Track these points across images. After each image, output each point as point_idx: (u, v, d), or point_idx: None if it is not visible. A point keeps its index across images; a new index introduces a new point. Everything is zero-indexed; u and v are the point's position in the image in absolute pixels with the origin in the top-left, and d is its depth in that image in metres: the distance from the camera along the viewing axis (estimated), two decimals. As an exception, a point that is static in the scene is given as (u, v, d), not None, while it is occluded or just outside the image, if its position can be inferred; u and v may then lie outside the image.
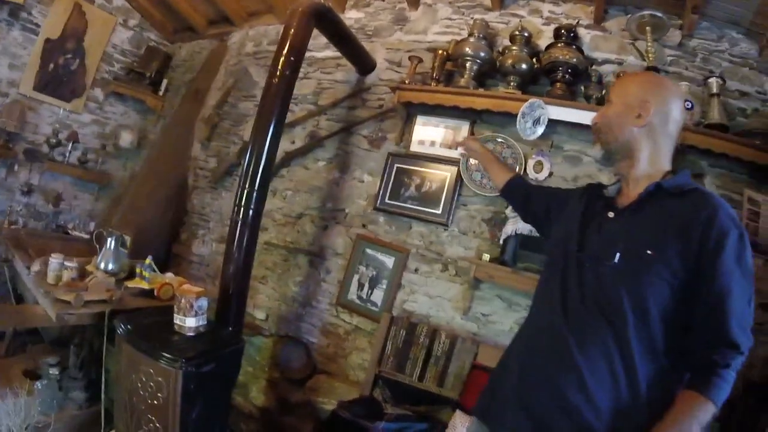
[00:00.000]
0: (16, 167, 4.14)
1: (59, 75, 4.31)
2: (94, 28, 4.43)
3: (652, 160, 1.23)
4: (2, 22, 3.98)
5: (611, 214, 1.22)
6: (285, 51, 2.56)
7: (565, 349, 1.11)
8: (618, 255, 1.11)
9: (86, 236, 3.90)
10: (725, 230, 1.05)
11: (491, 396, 1.30)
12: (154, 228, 3.86)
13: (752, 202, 2.30)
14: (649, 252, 1.07)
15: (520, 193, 1.70)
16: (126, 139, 4.63)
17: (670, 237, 1.07)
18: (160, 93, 4.70)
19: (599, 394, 1.06)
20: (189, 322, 2.11)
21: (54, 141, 4.25)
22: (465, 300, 2.61)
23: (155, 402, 1.94)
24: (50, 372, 2.53)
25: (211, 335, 2.19)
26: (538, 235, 2.33)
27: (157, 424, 1.95)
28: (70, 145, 4.37)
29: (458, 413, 2.31)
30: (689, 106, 2.31)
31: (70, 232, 4.07)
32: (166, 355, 1.90)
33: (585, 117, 2.39)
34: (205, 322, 2.18)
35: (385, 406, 2.52)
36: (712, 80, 2.30)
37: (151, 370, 1.93)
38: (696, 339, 1.06)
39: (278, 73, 2.54)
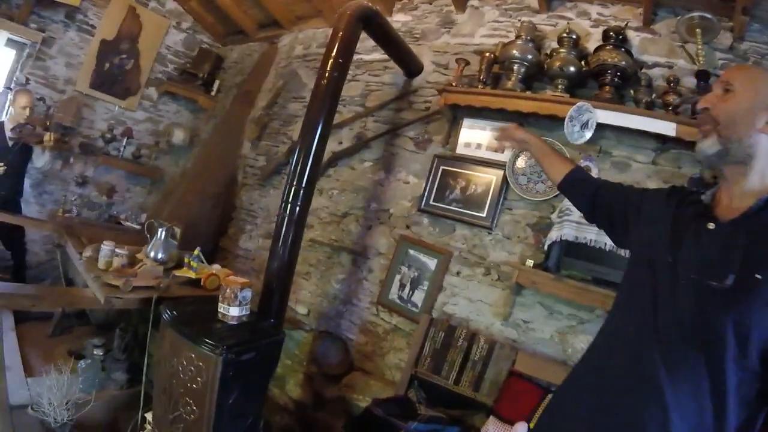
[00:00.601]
0: (71, 160, 4.39)
1: (114, 74, 4.55)
2: (147, 30, 4.66)
3: (765, 174, 1.06)
4: (59, 24, 4.23)
5: (712, 226, 1.05)
6: (333, 53, 2.61)
7: (652, 378, 0.98)
8: (732, 276, 0.95)
9: (137, 227, 4.09)
10: None
11: (556, 417, 1.20)
12: (202, 222, 4.00)
13: None
14: (758, 276, 0.93)
15: (584, 188, 1.48)
16: (178, 136, 4.82)
17: None
18: (212, 93, 4.87)
19: None
20: (232, 312, 2.17)
21: (109, 136, 4.49)
22: (506, 305, 2.58)
23: (194, 386, 1.99)
24: (94, 352, 2.66)
25: (252, 326, 2.25)
26: (583, 241, 2.33)
27: (194, 407, 2.00)
28: (125, 140, 4.61)
29: (492, 419, 2.28)
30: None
31: (122, 222, 4.27)
32: (208, 341, 1.95)
33: (634, 122, 2.35)
34: (248, 313, 2.24)
35: (419, 407, 2.52)
36: None
37: (192, 355, 1.99)
38: None
39: (326, 75, 2.59)
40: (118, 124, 4.62)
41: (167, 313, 2.14)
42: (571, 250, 2.40)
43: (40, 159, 3.96)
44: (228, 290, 2.19)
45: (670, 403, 0.94)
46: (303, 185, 2.53)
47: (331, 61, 2.61)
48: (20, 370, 2.52)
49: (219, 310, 2.20)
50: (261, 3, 4.20)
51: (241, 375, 2.03)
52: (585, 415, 1.08)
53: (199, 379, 1.98)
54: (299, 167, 2.53)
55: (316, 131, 2.54)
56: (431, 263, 2.86)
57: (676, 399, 0.95)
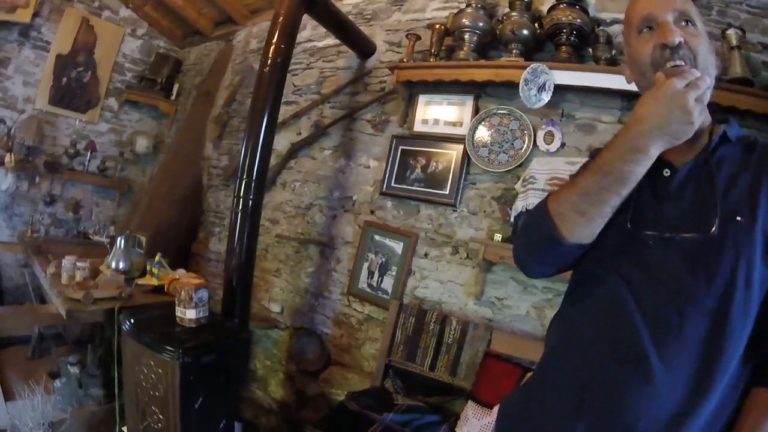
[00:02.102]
0: (37, 179, 4.28)
1: (73, 88, 4.43)
2: (103, 40, 4.53)
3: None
4: (14, 43, 4.12)
5: (668, 172, 0.90)
6: (275, 39, 2.53)
7: (641, 354, 0.82)
8: (716, 223, 0.82)
9: (107, 240, 3.99)
10: None
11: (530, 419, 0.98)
12: (171, 228, 3.90)
13: None
14: (738, 219, 0.82)
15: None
16: (142, 144, 4.72)
17: (763, 200, 0.84)
18: (172, 97, 4.77)
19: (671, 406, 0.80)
20: (189, 314, 2.13)
21: (72, 151, 4.38)
22: (477, 284, 2.48)
23: (157, 393, 1.98)
24: (70, 370, 2.62)
25: (214, 327, 2.20)
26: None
27: (160, 416, 1.98)
28: (89, 154, 4.51)
29: (470, 404, 2.19)
30: (708, 62, 2.13)
31: (91, 237, 4.16)
32: (165, 347, 1.94)
33: (595, 80, 2.24)
34: (207, 314, 2.18)
35: (396, 396, 2.43)
36: (731, 32, 2.09)
37: (152, 362, 1.98)
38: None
39: (269, 62, 2.51)
40: (81, 138, 4.51)
41: (126, 323, 2.12)
42: (539, 219, 2.30)
43: (4, 181, 3.87)
44: (183, 292, 2.14)
45: (658, 375, 0.79)
46: (254, 178, 2.44)
47: (272, 47, 2.53)
48: (-1, 395, 2.48)
49: (176, 314, 2.15)
50: (214, 0, 4.09)
51: (204, 378, 1.99)
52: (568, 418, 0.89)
53: (160, 386, 1.97)
54: (248, 159, 2.45)
55: (263, 120, 2.46)
56: (398, 247, 2.76)
57: (668, 370, 0.80)
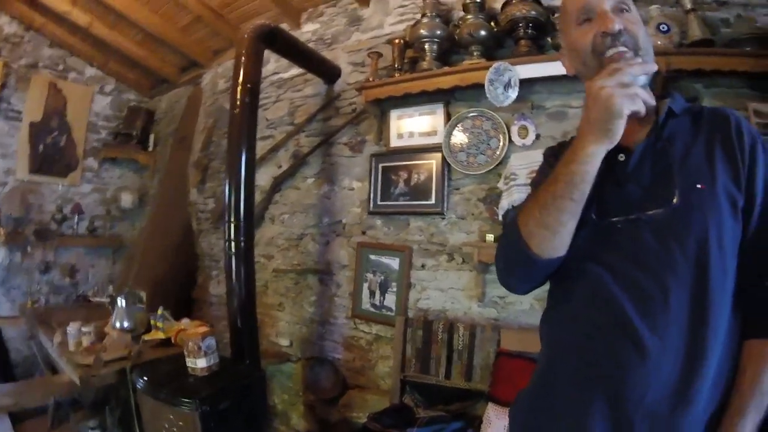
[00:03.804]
0: (29, 249, 4.24)
1: (50, 154, 4.42)
2: (73, 102, 4.54)
3: None
4: (-16, 116, 4.11)
5: (622, 157, 0.93)
6: (240, 80, 2.57)
7: (635, 335, 0.83)
8: (677, 195, 0.86)
9: (107, 300, 3.99)
10: (755, 139, 0.90)
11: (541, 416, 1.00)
12: (169, 278, 3.89)
13: (759, 114, 2.11)
14: (699, 186, 0.86)
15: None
16: (127, 200, 4.74)
17: (718, 163, 0.88)
18: (150, 149, 4.78)
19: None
20: (200, 363, 2.15)
21: (60, 216, 4.38)
22: (477, 286, 2.50)
23: None
24: None
25: (226, 372, 2.23)
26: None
27: None
28: (76, 216, 4.49)
29: (491, 405, 2.20)
30: (665, 30, 2.16)
31: (90, 299, 4.16)
32: (182, 399, 1.97)
33: (558, 68, 2.24)
34: (217, 360, 2.21)
35: (417, 410, 2.45)
36: None
37: (171, 416, 2.01)
38: (747, 271, 0.86)
39: (238, 102, 2.55)
40: (66, 202, 4.51)
41: (140, 381, 2.14)
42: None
43: (-3, 256, 3.87)
44: (190, 343, 2.17)
45: (653, 349, 0.81)
46: (241, 219, 2.47)
47: (239, 88, 2.57)
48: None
49: (187, 365, 2.17)
50: (175, 47, 4.12)
51: (224, 423, 2.02)
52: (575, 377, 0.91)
53: None
54: (233, 201, 2.48)
55: (241, 161, 2.49)
56: (394, 263, 2.78)
57: (662, 343, 0.82)
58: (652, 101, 0.89)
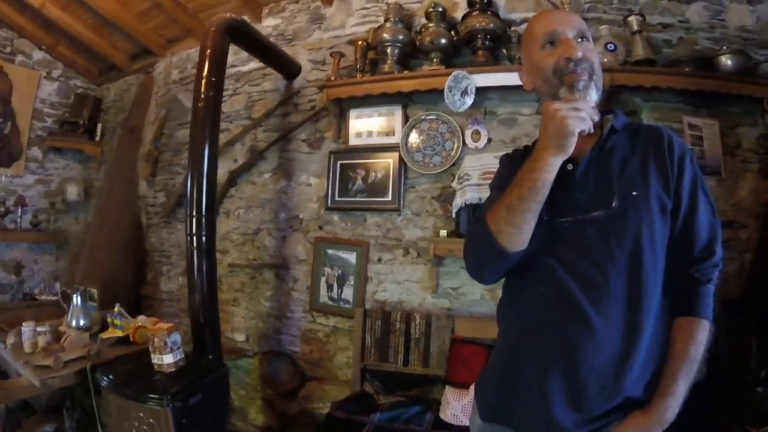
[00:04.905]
0: (-31, 245, 4.02)
1: (-7, 142, 4.18)
2: (18, 87, 4.31)
3: None
4: None
5: (570, 167, 1.08)
6: (205, 73, 2.56)
7: (583, 315, 1.00)
8: (616, 199, 1.03)
9: (54, 298, 3.84)
10: (684, 152, 1.07)
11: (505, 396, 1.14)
12: (118, 275, 3.79)
13: (692, 127, 2.39)
14: (634, 193, 1.03)
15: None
16: (72, 192, 4.53)
17: (651, 173, 1.04)
18: (97, 138, 4.58)
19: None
20: (167, 359, 2.14)
21: (2, 210, 4.14)
22: (432, 279, 2.65)
23: None
24: None
25: (192, 367, 2.22)
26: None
27: None
28: (20, 210, 4.25)
29: (448, 388, 2.38)
30: (611, 48, 2.37)
31: (37, 297, 4.02)
32: (152, 395, 1.94)
33: (512, 79, 2.39)
34: (183, 356, 2.21)
35: (378, 397, 2.57)
36: (632, 18, 2.37)
37: (141, 414, 1.97)
38: (674, 262, 1.05)
39: (202, 96, 2.54)
40: (8, 194, 4.26)
41: (104, 379, 2.09)
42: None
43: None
44: (156, 339, 2.16)
45: (599, 328, 0.98)
46: (204, 213, 2.47)
47: (204, 81, 2.56)
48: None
49: (153, 361, 2.16)
50: (129, 33, 4.00)
51: (195, 418, 2.02)
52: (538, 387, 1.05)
53: None
54: (195, 195, 2.48)
55: (203, 155, 2.49)
56: (351, 257, 2.88)
57: (606, 322, 0.99)
58: (597, 118, 1.05)
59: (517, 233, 1.02)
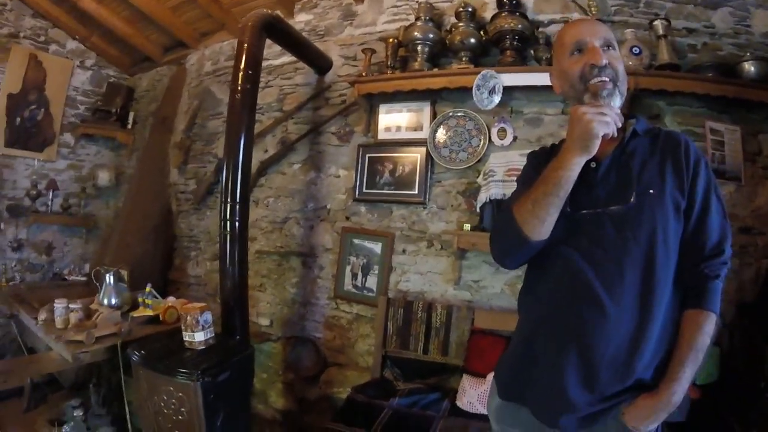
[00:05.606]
0: (2, 225, 4.17)
1: (27, 127, 4.34)
2: (52, 75, 4.46)
3: None
4: (-39, 86, 3.99)
5: (594, 165, 1.17)
6: (242, 66, 2.66)
7: (600, 303, 1.08)
8: (633, 195, 1.11)
9: (83, 279, 3.99)
10: (699, 157, 1.15)
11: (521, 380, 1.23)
12: (147, 259, 3.92)
13: (714, 132, 2.41)
14: (651, 191, 1.10)
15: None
16: (103, 178, 4.68)
17: (668, 175, 1.12)
18: (129, 127, 4.73)
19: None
20: (198, 337, 2.22)
21: (34, 193, 4.29)
22: (454, 271, 2.73)
23: (180, 417, 2.04)
24: (75, 414, 2.59)
25: (220, 347, 2.30)
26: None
27: None
28: (51, 193, 4.42)
29: (465, 377, 2.45)
30: (636, 52, 2.40)
31: (67, 278, 4.15)
32: (183, 370, 2.02)
33: (539, 79, 2.50)
34: (213, 335, 2.29)
35: (397, 383, 2.65)
36: (657, 23, 2.40)
37: (171, 388, 2.04)
38: (686, 258, 1.12)
39: (239, 88, 2.64)
40: (41, 178, 4.42)
41: (136, 355, 2.16)
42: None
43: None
44: (189, 317, 2.23)
45: (612, 313, 1.07)
46: (238, 200, 2.57)
47: (241, 73, 2.66)
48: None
49: (184, 339, 2.23)
50: (163, 26, 4.13)
51: (222, 396, 2.09)
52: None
53: (183, 409, 2.03)
54: (230, 183, 2.57)
55: (240, 145, 2.59)
56: (377, 248, 2.97)
57: (619, 308, 1.07)
58: (621, 123, 1.13)
59: (540, 224, 1.11)
